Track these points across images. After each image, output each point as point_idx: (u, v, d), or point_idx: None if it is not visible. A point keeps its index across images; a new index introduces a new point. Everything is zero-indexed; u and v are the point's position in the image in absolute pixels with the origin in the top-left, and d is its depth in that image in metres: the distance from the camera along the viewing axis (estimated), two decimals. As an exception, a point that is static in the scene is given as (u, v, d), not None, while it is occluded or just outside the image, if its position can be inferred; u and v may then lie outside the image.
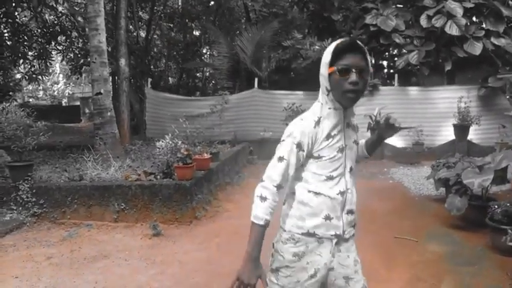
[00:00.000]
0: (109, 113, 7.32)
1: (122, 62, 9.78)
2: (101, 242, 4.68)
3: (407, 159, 8.61)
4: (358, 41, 1.66)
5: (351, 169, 1.77)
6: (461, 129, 8.94)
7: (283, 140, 1.71)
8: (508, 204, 3.92)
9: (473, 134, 9.13)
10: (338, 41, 1.66)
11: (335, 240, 1.73)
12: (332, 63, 1.64)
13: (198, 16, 15.21)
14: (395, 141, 9.37)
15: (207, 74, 16.13)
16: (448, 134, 9.19)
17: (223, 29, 13.60)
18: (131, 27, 14.24)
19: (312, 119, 1.69)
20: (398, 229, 4.77)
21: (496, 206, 4.00)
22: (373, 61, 11.06)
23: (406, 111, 9.53)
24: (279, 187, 1.69)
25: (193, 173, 5.44)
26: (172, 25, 15.85)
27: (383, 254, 4.10)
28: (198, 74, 16.40)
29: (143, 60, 13.68)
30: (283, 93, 10.15)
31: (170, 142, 5.59)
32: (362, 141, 1.99)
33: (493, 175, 4.46)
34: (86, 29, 8.20)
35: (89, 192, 5.35)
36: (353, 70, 1.61)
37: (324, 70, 1.67)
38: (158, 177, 5.52)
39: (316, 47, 9.92)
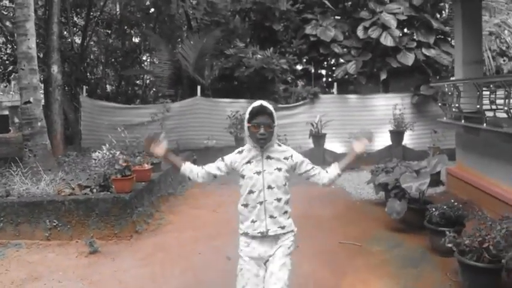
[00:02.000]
0: (39, 123, 6.81)
1: (55, 69, 9.19)
2: (31, 263, 4.29)
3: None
4: (266, 105, 2.48)
5: (269, 187, 2.48)
6: (397, 134, 9.36)
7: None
8: (445, 207, 4.09)
9: (408, 139, 9.59)
10: (252, 105, 2.49)
11: (266, 238, 2.49)
12: (249, 121, 2.48)
13: (137, 23, 14.72)
14: (336, 147, 9.60)
15: (148, 81, 15.64)
16: (384, 139, 9.56)
17: (164, 36, 13.24)
18: (65, 33, 13.50)
19: (237, 151, 2.60)
20: (342, 234, 4.83)
21: (434, 209, 4.16)
22: (313, 70, 11.31)
23: (345, 118, 9.84)
24: (201, 167, 2.64)
25: (132, 185, 5.17)
26: (109, 31, 15.20)
27: (329, 260, 4.11)
28: (138, 82, 15.84)
29: (78, 67, 12.98)
30: (227, 101, 10.06)
31: (107, 153, 5.30)
32: (329, 169, 2.63)
33: (429, 179, 4.66)
34: (15, 34, 7.60)
35: (17, 208, 4.92)
36: (261, 126, 2.44)
37: (245, 123, 2.52)
38: (95, 190, 5.19)
39: (259, 55, 9.95)
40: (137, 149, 6.67)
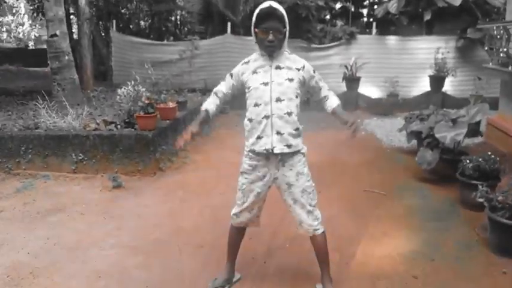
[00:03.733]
0: (66, 57, 6.77)
1: (82, 1, 8.99)
2: (57, 195, 4.41)
3: (381, 110, 8.48)
4: (276, 6, 2.20)
5: (277, 99, 2.27)
6: (437, 80, 8.80)
7: None
8: (480, 159, 3.81)
9: (449, 86, 9.02)
10: (260, 6, 2.21)
11: (279, 157, 2.32)
12: (256, 25, 2.25)
13: (171, -46, 14.11)
14: (370, 91, 9.18)
15: (181, 18, 15.25)
16: (423, 85, 9.05)
17: (196, -31, 12.70)
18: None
19: (243, 61, 2.42)
20: (368, 182, 4.66)
21: (468, 161, 3.88)
22: (352, 8, 10.59)
23: (383, 61, 9.30)
24: (214, 93, 2.53)
25: (156, 122, 5.12)
26: (144, -36, 14.70)
27: (351, 207, 3.99)
28: (171, 18, 15.48)
29: (110, 1, 12.73)
30: (258, 39, 9.67)
31: (131, 90, 5.21)
32: (328, 101, 2.47)
33: (466, 129, 4.34)
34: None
35: (45, 141, 4.99)
36: (270, 31, 2.20)
37: (252, 29, 2.29)
38: (119, 126, 5.19)
39: (293, -9, 9.36)
40: (165, 86, 6.58)
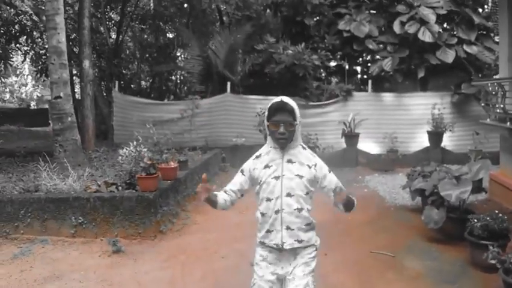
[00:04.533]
0: (69, 118, 6.85)
1: (86, 63, 9.26)
2: (55, 261, 4.27)
3: (382, 166, 8.48)
4: (287, 101, 2.22)
5: (288, 194, 2.22)
6: (435, 136, 8.88)
7: None
8: (488, 218, 3.75)
9: (447, 141, 9.09)
10: (272, 101, 2.25)
11: (283, 252, 2.25)
12: (268, 118, 2.25)
13: (171, 18, 14.75)
14: (370, 147, 9.24)
15: (181, 77, 15.70)
16: (422, 140, 9.12)
17: (196, 31, 13.23)
18: (101, 28, 13.68)
19: (255, 155, 2.36)
20: (373, 243, 4.55)
21: (476, 220, 3.82)
22: (347, 67, 10.93)
23: (380, 117, 9.45)
24: (225, 190, 2.37)
25: (157, 183, 5.08)
26: (144, 27, 15.34)
27: (357, 271, 3.87)
28: (171, 77, 15.94)
29: (112, 62, 13.16)
30: (257, 98, 9.84)
31: (133, 150, 5.22)
32: (331, 190, 2.26)
33: (471, 186, 4.31)
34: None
35: (44, 204, 4.91)
36: (281, 124, 2.20)
37: (265, 122, 2.29)
38: (120, 188, 5.14)
39: (290, 51, 9.70)
40: (166, 146, 6.61)
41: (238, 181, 2.36)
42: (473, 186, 4.55)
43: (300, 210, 2.22)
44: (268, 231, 2.25)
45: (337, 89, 9.84)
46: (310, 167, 2.26)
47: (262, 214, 2.27)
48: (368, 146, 9.26)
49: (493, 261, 3.20)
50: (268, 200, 2.24)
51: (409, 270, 3.88)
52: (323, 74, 10.94)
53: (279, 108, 2.22)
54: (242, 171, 2.36)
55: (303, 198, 2.23)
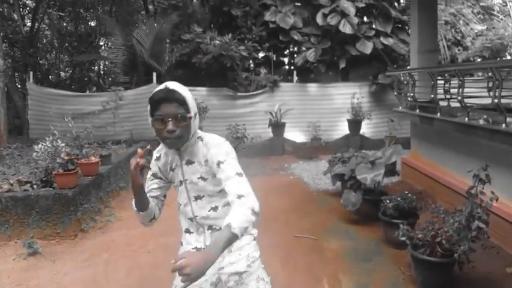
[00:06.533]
0: (-25, 113, 6.28)
1: (-4, 53, 8.52)
2: (-39, 268, 3.92)
3: (306, 154, 8.79)
4: (174, 88, 1.70)
5: (197, 197, 1.87)
6: (354, 123, 9.38)
7: None
8: (399, 199, 4.05)
9: (365, 128, 9.63)
10: (154, 91, 1.72)
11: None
12: (151, 113, 1.72)
13: (92, 5, 13.97)
14: (296, 136, 9.53)
15: (104, 68, 14.96)
16: (343, 128, 9.58)
17: (120, 20, 12.67)
18: (14, 15, 12.59)
19: (155, 155, 1.90)
20: (297, 227, 4.73)
21: (388, 201, 4.11)
22: (274, 58, 11.13)
23: (305, 106, 9.78)
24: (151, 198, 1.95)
25: (77, 179, 4.84)
26: (63, 14, 14.37)
27: (283, 255, 4.00)
28: (94, 68, 15.12)
29: (27, 52, 12.21)
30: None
31: (49, 145, 4.92)
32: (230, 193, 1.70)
33: (384, 170, 4.63)
34: None
35: None
36: (169, 119, 1.68)
37: (149, 119, 1.75)
38: (36, 186, 4.83)
39: (217, 41, 9.65)
40: (87, 140, 6.29)
41: (152, 187, 1.96)
42: (387, 170, 4.90)
43: (215, 209, 1.87)
44: (188, 231, 1.97)
45: (265, 79, 9.99)
46: (206, 165, 1.82)
47: (180, 220, 2.00)
48: (294, 134, 9.54)
49: (403, 238, 3.45)
50: (179, 204, 1.95)
51: (329, 251, 4.09)
52: (251, 65, 11.05)
53: (164, 99, 1.69)
54: (153, 174, 1.94)
55: (216, 195, 1.86)
